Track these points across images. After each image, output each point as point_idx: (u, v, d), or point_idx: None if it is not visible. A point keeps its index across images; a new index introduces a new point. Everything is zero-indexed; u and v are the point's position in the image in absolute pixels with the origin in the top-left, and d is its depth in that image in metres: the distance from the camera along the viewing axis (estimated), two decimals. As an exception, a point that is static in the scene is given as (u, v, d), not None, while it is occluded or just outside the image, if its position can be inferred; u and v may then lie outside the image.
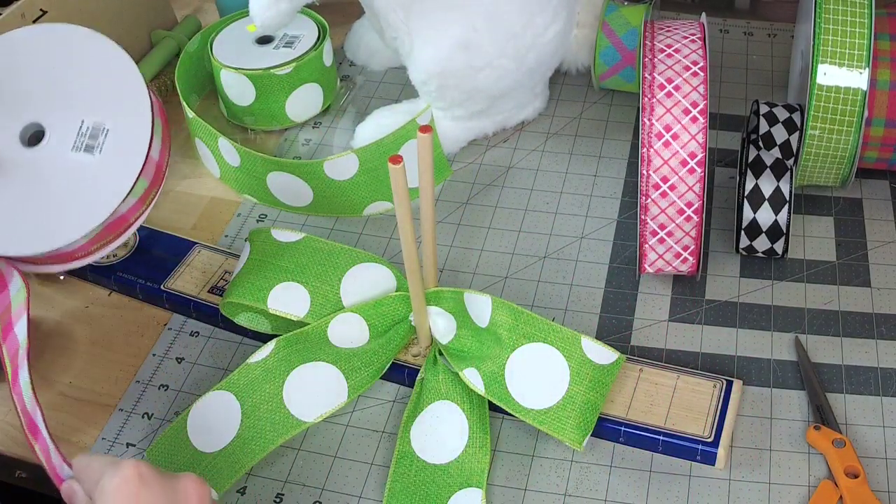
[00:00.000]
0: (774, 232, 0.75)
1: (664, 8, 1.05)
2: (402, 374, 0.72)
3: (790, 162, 0.76)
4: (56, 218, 0.68)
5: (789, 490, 0.64)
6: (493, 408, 0.69)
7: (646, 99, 0.70)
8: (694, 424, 0.66)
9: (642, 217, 0.72)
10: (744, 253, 0.78)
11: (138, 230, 0.83)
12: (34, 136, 0.71)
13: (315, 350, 0.70)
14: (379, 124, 0.89)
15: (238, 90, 0.92)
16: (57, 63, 0.73)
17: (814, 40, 0.74)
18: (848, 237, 0.80)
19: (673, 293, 0.77)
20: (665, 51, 0.70)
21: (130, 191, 0.69)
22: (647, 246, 0.73)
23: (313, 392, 0.68)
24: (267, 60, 0.91)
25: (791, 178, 0.75)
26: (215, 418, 0.67)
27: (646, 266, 0.75)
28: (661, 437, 0.66)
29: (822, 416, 0.67)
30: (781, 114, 0.78)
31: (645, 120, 0.70)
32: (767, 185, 0.74)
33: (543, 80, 0.93)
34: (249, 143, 0.94)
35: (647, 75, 0.70)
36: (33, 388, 0.64)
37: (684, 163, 0.70)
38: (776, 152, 0.76)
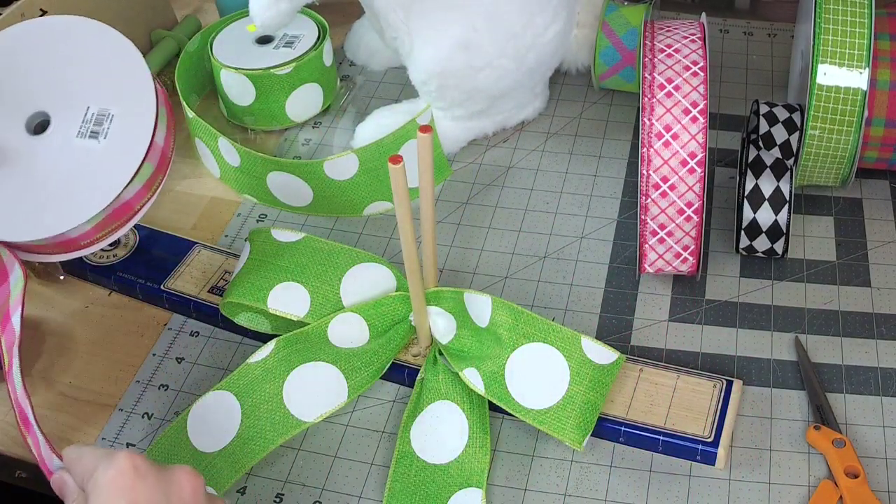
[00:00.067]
0: (774, 232, 0.75)
1: (664, 8, 1.05)
2: (402, 374, 0.72)
3: (790, 162, 0.76)
4: (61, 203, 0.69)
5: (789, 490, 0.64)
6: (493, 408, 0.69)
7: (646, 99, 0.70)
8: (694, 424, 0.66)
9: (642, 217, 0.72)
10: (744, 253, 0.78)
11: (138, 230, 0.83)
12: (40, 125, 0.72)
13: (315, 350, 0.70)
14: (379, 124, 0.89)
15: (238, 90, 0.92)
16: (63, 53, 0.73)
17: (814, 40, 0.74)
18: (848, 237, 0.80)
19: (673, 293, 0.77)
20: (665, 51, 0.70)
21: (136, 174, 0.69)
22: (647, 246, 0.73)
23: (313, 392, 0.68)
24: (267, 60, 0.91)
25: (791, 178, 0.75)
26: (215, 418, 0.67)
27: (646, 266, 0.75)
28: (661, 437, 0.66)
29: (822, 416, 0.67)
30: (781, 114, 0.78)
31: (645, 120, 0.70)
32: (767, 185, 0.74)
33: (543, 80, 0.93)
34: (249, 143, 0.94)
35: (647, 75, 0.70)
36: (23, 380, 0.64)
37: (684, 163, 0.70)
38: (776, 152, 0.76)
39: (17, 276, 0.67)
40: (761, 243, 0.76)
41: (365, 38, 1.01)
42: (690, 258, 0.73)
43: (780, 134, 0.77)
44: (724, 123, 0.92)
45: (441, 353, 0.71)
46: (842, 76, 0.74)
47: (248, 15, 0.85)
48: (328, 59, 0.95)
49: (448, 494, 0.65)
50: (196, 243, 0.82)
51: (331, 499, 0.66)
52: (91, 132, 0.70)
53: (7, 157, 0.70)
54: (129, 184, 0.69)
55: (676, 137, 0.69)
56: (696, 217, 0.71)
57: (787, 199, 0.74)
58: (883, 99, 0.77)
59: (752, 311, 0.75)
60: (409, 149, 0.85)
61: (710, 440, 0.65)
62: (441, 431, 0.68)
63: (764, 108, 0.78)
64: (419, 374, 0.71)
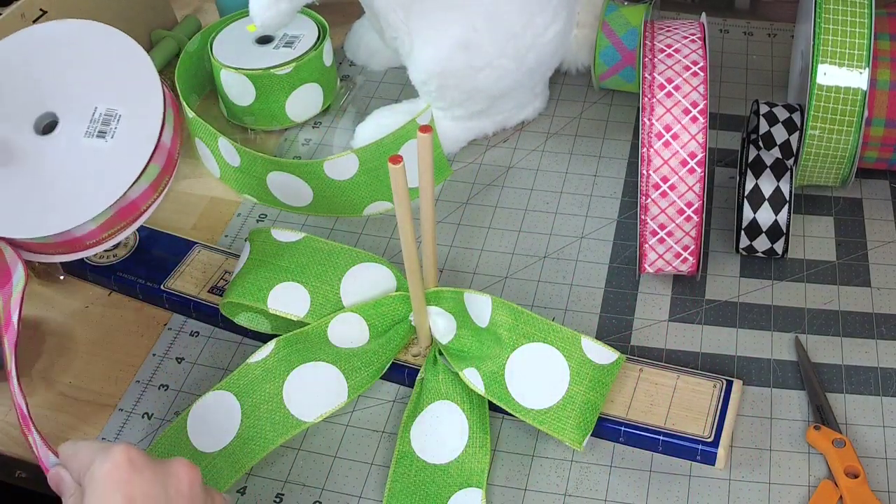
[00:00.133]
0: (774, 232, 0.75)
1: (664, 8, 1.05)
2: (402, 374, 0.72)
3: (790, 162, 0.76)
4: (68, 200, 0.69)
5: (789, 490, 0.64)
6: (493, 408, 0.69)
7: (646, 99, 0.70)
8: (694, 424, 0.66)
9: (642, 217, 0.72)
10: (744, 253, 0.78)
11: (138, 230, 0.83)
12: (48, 126, 0.72)
13: (315, 350, 0.70)
14: (379, 124, 0.89)
15: (238, 90, 0.92)
16: (71, 56, 0.74)
17: (814, 40, 0.74)
18: (848, 237, 0.80)
19: (673, 293, 0.77)
20: (665, 51, 0.70)
21: (142, 173, 0.70)
22: (647, 246, 0.73)
23: (313, 392, 0.68)
24: (267, 60, 0.91)
25: (791, 178, 0.75)
26: (215, 418, 0.67)
27: (646, 266, 0.75)
28: (661, 437, 0.66)
29: (822, 416, 0.67)
30: (781, 114, 0.78)
31: (645, 120, 0.70)
32: (767, 185, 0.74)
33: (543, 80, 0.93)
34: (249, 143, 0.94)
35: (647, 75, 0.70)
36: (18, 378, 0.64)
37: (684, 163, 0.70)
38: (776, 152, 0.76)
39: (19, 275, 0.68)
40: (761, 243, 0.76)
41: (365, 38, 1.01)
42: (690, 258, 0.73)
43: (780, 134, 0.77)
44: (724, 123, 0.92)
45: (441, 353, 0.71)
46: (842, 76, 0.74)
47: (248, 15, 0.85)
48: (328, 59, 0.95)
49: (448, 494, 0.65)
50: (196, 243, 0.82)
51: (331, 499, 0.66)
52: (99, 132, 0.71)
53: (14, 156, 0.71)
54: (135, 182, 0.70)
55: (676, 137, 0.69)
56: (696, 217, 0.71)
57: (787, 199, 0.74)
58: (883, 99, 0.77)
59: (752, 311, 0.75)
60: (409, 149, 0.85)
61: (710, 440, 0.65)
62: (441, 431, 0.68)
63: (764, 108, 0.78)
64: (419, 374, 0.71)
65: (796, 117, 0.77)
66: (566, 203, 0.85)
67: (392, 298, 0.72)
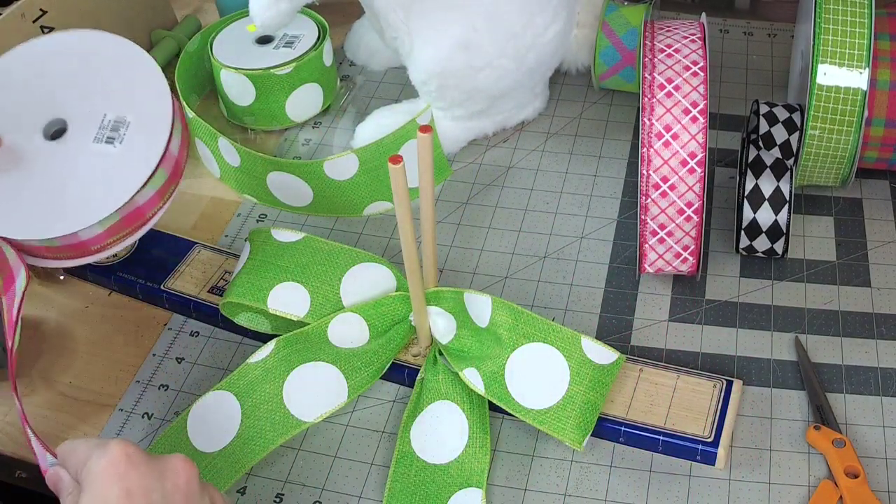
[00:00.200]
0: (774, 232, 0.75)
1: (664, 8, 1.05)
2: (402, 374, 0.72)
3: (790, 162, 0.76)
4: (76, 202, 0.70)
5: (789, 490, 0.64)
6: (493, 408, 0.69)
7: (646, 99, 0.70)
8: (694, 424, 0.66)
9: (642, 217, 0.72)
10: (744, 253, 0.78)
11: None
12: (57, 132, 0.73)
13: (315, 350, 0.70)
14: (379, 124, 0.89)
15: (238, 90, 0.92)
16: (82, 65, 0.75)
17: (814, 40, 0.74)
18: (848, 237, 0.80)
19: (673, 293, 0.77)
20: (665, 51, 0.70)
21: (150, 179, 0.71)
22: (647, 246, 0.73)
23: (313, 392, 0.68)
24: (267, 60, 0.91)
25: (791, 178, 0.75)
26: (215, 418, 0.67)
27: (646, 266, 0.75)
28: (661, 437, 0.66)
29: (822, 416, 0.67)
30: (781, 114, 0.78)
31: (645, 120, 0.70)
32: (767, 185, 0.74)
33: (543, 80, 0.93)
34: (249, 143, 0.94)
35: (647, 75, 0.70)
36: (14, 382, 0.64)
37: (684, 163, 0.70)
38: (776, 152, 0.76)
39: (21, 278, 0.68)
40: (761, 243, 0.76)
41: (365, 38, 1.01)
42: (690, 258, 0.73)
43: (780, 134, 0.77)
44: (724, 123, 0.92)
45: (441, 353, 0.71)
46: (842, 76, 0.74)
47: (248, 15, 0.85)
48: (328, 59, 0.95)
49: (448, 494, 0.65)
50: (196, 243, 0.82)
51: (331, 499, 0.66)
52: (108, 137, 0.72)
53: (23, 160, 0.72)
54: (143, 187, 0.71)
55: (676, 137, 0.69)
56: (696, 217, 0.71)
57: (787, 199, 0.74)
58: (883, 99, 0.77)
59: (752, 311, 0.75)
60: (409, 149, 0.85)
61: (710, 440, 0.65)
62: (441, 431, 0.68)
63: (764, 108, 0.78)
64: (419, 374, 0.71)
65: (796, 117, 0.77)
66: (566, 203, 0.85)
67: (392, 298, 0.72)
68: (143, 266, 0.80)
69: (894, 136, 0.78)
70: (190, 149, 0.80)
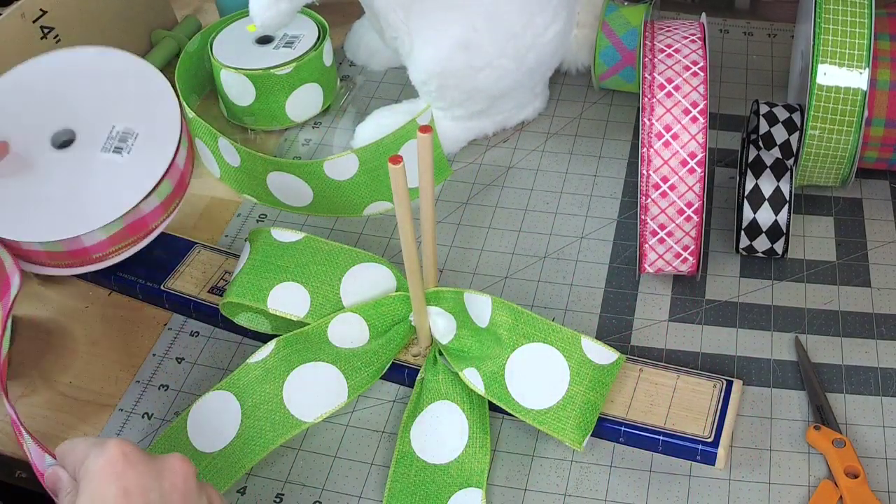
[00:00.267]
0: (774, 232, 0.75)
1: (664, 8, 1.05)
2: (402, 374, 0.72)
3: (790, 162, 0.76)
4: (81, 207, 0.71)
5: (789, 490, 0.64)
6: (493, 408, 0.69)
7: (646, 99, 0.70)
8: (694, 424, 0.66)
9: (642, 217, 0.72)
10: (744, 253, 0.78)
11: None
12: (66, 142, 0.75)
13: (315, 350, 0.70)
14: (379, 124, 0.89)
15: (238, 90, 0.92)
16: (95, 79, 0.78)
17: (814, 40, 0.74)
18: (848, 237, 0.80)
19: (673, 293, 0.77)
20: (665, 51, 0.70)
21: (155, 188, 0.72)
22: (647, 246, 0.73)
23: (313, 392, 0.68)
24: (267, 60, 0.91)
25: (791, 178, 0.75)
26: (215, 418, 0.67)
27: (646, 266, 0.75)
28: (661, 437, 0.66)
29: (822, 416, 0.67)
30: (781, 114, 0.78)
31: (645, 120, 0.70)
32: (767, 185, 0.74)
33: (543, 80, 0.93)
34: (249, 143, 0.94)
35: (647, 75, 0.70)
36: (5, 387, 0.64)
37: (684, 163, 0.70)
38: (776, 152, 0.76)
39: (16, 285, 0.68)
40: (761, 243, 0.76)
41: (365, 38, 1.01)
42: (690, 258, 0.73)
43: (780, 134, 0.77)
44: (724, 123, 0.92)
45: (441, 353, 0.71)
46: (842, 76, 0.74)
47: (248, 15, 0.85)
48: (328, 59, 0.95)
49: (448, 494, 0.65)
50: (196, 243, 0.82)
51: (331, 499, 0.66)
52: (115, 147, 0.73)
53: (29, 167, 0.73)
54: (148, 195, 0.72)
55: (676, 137, 0.69)
56: (696, 217, 0.71)
57: (787, 199, 0.74)
58: (883, 99, 0.77)
59: (752, 311, 0.75)
60: (409, 149, 0.85)
61: (710, 440, 0.65)
62: (441, 431, 0.68)
63: (764, 108, 0.78)
64: (419, 374, 0.71)
65: (796, 117, 0.77)
66: (566, 203, 0.85)
67: (392, 298, 0.72)
68: (143, 266, 0.80)
69: (894, 136, 0.78)
70: (195, 161, 0.82)
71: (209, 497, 0.55)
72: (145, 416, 0.72)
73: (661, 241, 0.73)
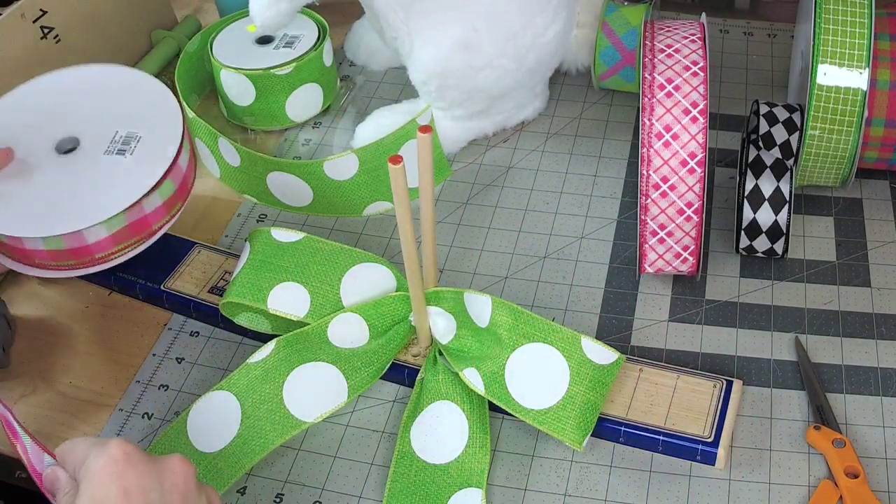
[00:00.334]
0: (774, 232, 0.75)
1: (664, 8, 1.05)
2: (402, 374, 0.72)
3: (790, 162, 0.76)
4: (83, 203, 0.72)
5: (789, 490, 0.64)
6: (493, 408, 0.69)
7: (646, 99, 0.70)
8: (694, 424, 0.66)
9: (642, 217, 0.72)
10: (744, 253, 0.78)
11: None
12: (70, 149, 0.76)
13: (315, 350, 0.70)
14: (379, 124, 0.89)
15: (238, 90, 0.92)
16: (99, 92, 0.80)
17: (814, 40, 0.74)
18: (848, 237, 0.80)
19: (673, 293, 0.77)
20: (665, 51, 0.70)
21: (157, 186, 0.73)
22: (647, 246, 0.73)
23: (313, 392, 0.68)
24: (267, 60, 0.91)
25: (791, 178, 0.75)
26: (215, 418, 0.67)
27: (646, 266, 0.75)
28: (661, 437, 0.66)
29: (822, 416, 0.67)
30: (781, 114, 0.78)
31: (645, 120, 0.70)
32: (767, 185, 0.74)
33: (543, 80, 0.93)
34: (249, 143, 0.94)
35: (647, 75, 0.70)
36: None
37: (684, 163, 0.70)
38: (776, 152, 0.76)
39: None
40: (761, 243, 0.76)
41: (365, 38, 1.01)
42: (690, 258, 0.73)
43: (780, 134, 0.77)
44: (724, 123, 0.92)
45: (441, 353, 0.71)
46: (842, 76, 0.74)
47: (248, 15, 0.85)
48: (328, 59, 0.95)
49: (448, 494, 0.65)
50: (196, 243, 0.82)
51: (331, 499, 0.66)
52: (119, 150, 0.75)
53: (33, 170, 0.74)
54: (150, 193, 0.72)
55: (676, 137, 0.69)
56: (696, 217, 0.71)
57: (787, 199, 0.74)
58: (883, 99, 0.77)
59: (752, 311, 0.75)
60: (409, 149, 0.85)
61: (710, 440, 0.65)
62: (441, 431, 0.68)
63: (764, 108, 0.78)
64: (419, 374, 0.71)
65: (796, 117, 0.77)
66: (566, 203, 0.85)
67: (392, 298, 0.72)
68: (143, 266, 0.80)
69: (894, 136, 0.78)
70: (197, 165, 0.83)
71: (209, 498, 0.55)
72: (145, 416, 0.72)
73: (661, 241, 0.73)
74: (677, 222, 0.71)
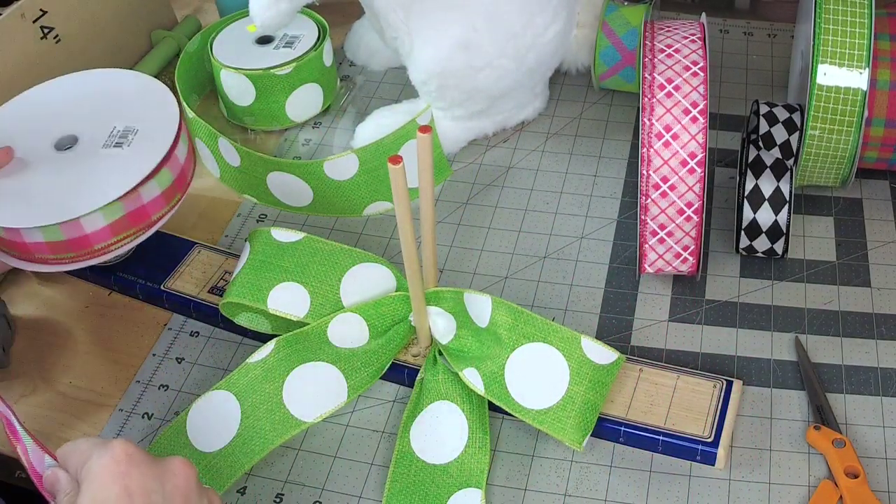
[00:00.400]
0: (774, 232, 0.75)
1: (664, 8, 1.05)
2: (402, 374, 0.72)
3: (790, 162, 0.76)
4: (81, 193, 0.72)
5: (789, 490, 0.64)
6: (493, 408, 0.69)
7: (646, 99, 0.70)
8: (694, 424, 0.66)
9: (642, 217, 0.72)
10: (744, 253, 0.78)
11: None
12: (69, 146, 0.76)
13: (315, 350, 0.70)
14: (379, 124, 0.89)
15: (238, 90, 0.92)
16: (99, 92, 0.81)
17: (814, 40, 0.74)
18: (848, 237, 0.80)
19: (673, 293, 0.77)
20: (665, 51, 0.70)
21: (154, 174, 0.73)
22: (647, 246, 0.73)
23: (313, 392, 0.68)
24: (267, 60, 0.91)
25: (791, 178, 0.75)
26: (215, 418, 0.67)
27: (646, 266, 0.75)
28: (661, 437, 0.66)
29: (822, 416, 0.67)
30: (781, 114, 0.78)
31: (645, 120, 0.70)
32: (767, 185, 0.74)
33: (543, 80, 0.93)
34: (249, 143, 0.94)
35: (647, 75, 0.70)
36: None
37: (684, 163, 0.70)
38: (776, 152, 0.76)
39: None
40: (761, 243, 0.76)
41: (365, 38, 1.01)
42: (690, 258, 0.73)
43: (780, 134, 0.77)
44: (724, 123, 0.92)
45: (441, 354, 0.71)
46: (842, 76, 0.74)
47: (248, 15, 0.85)
48: (328, 59, 0.95)
49: (448, 495, 0.65)
50: (196, 243, 0.82)
51: (331, 499, 0.66)
52: (116, 143, 0.75)
53: (32, 165, 0.74)
54: (147, 181, 0.72)
55: (676, 137, 0.69)
56: (696, 217, 0.71)
57: (787, 199, 0.74)
58: (883, 99, 0.77)
59: (752, 311, 0.75)
60: (409, 149, 0.85)
61: (710, 440, 0.65)
62: (441, 431, 0.68)
63: (764, 108, 0.78)
64: (419, 374, 0.71)
65: (796, 117, 0.77)
66: (566, 203, 0.85)
67: (392, 298, 0.72)
68: (143, 266, 0.80)
69: (894, 136, 0.78)
70: (196, 162, 0.83)
71: (210, 501, 0.55)
72: (145, 416, 0.72)
73: (661, 241, 0.73)
74: (677, 222, 0.71)
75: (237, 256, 0.81)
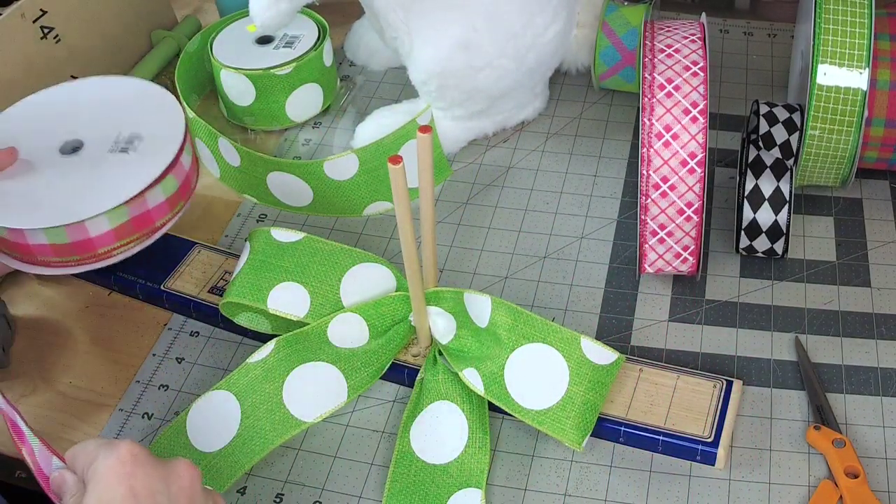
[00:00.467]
0: (774, 232, 0.75)
1: (664, 8, 1.05)
2: (401, 374, 0.72)
3: (790, 162, 0.76)
4: (86, 197, 0.72)
5: (789, 490, 0.64)
6: (493, 408, 0.69)
7: (646, 99, 0.70)
8: (694, 424, 0.66)
9: (642, 217, 0.72)
10: (744, 253, 0.78)
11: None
12: (75, 150, 0.77)
13: (315, 350, 0.70)
14: (379, 124, 0.89)
15: (238, 90, 0.92)
16: (105, 99, 0.81)
17: (814, 40, 0.74)
18: (848, 237, 0.80)
19: (673, 293, 0.77)
20: (665, 51, 0.70)
21: (160, 180, 0.74)
22: (647, 246, 0.73)
23: (313, 392, 0.68)
24: (267, 60, 0.91)
25: (791, 178, 0.75)
26: (215, 418, 0.67)
27: (646, 266, 0.75)
28: (660, 437, 0.66)
29: (822, 416, 0.67)
30: (781, 114, 0.78)
31: (645, 120, 0.70)
32: (767, 185, 0.74)
33: (543, 80, 0.93)
34: (249, 143, 0.94)
35: (647, 75, 0.70)
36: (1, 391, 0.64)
37: (684, 163, 0.70)
38: (776, 152, 0.76)
39: None
40: (761, 243, 0.76)
41: (365, 38, 1.01)
42: (690, 258, 0.73)
43: (780, 134, 0.77)
44: (724, 123, 0.92)
45: (441, 354, 0.71)
46: (842, 76, 0.74)
47: (248, 15, 0.85)
48: (328, 59, 0.95)
49: (448, 495, 0.65)
50: (196, 243, 0.82)
51: (331, 499, 0.66)
52: (122, 148, 0.76)
53: (37, 168, 0.75)
54: (153, 186, 0.73)
55: (676, 137, 0.69)
56: (696, 217, 0.71)
57: (787, 199, 0.74)
58: (883, 99, 0.77)
59: (752, 311, 0.75)
60: (409, 149, 0.85)
61: (710, 440, 0.65)
62: (441, 431, 0.68)
63: (764, 108, 0.78)
64: (419, 374, 0.71)
65: (796, 117, 0.77)
66: (566, 203, 0.85)
67: (392, 298, 0.72)
68: (143, 266, 0.80)
69: (894, 136, 0.78)
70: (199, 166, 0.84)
71: (215, 502, 0.55)
72: (145, 416, 0.72)
73: (661, 241, 0.73)
74: (677, 222, 0.71)
75: (237, 256, 0.81)
